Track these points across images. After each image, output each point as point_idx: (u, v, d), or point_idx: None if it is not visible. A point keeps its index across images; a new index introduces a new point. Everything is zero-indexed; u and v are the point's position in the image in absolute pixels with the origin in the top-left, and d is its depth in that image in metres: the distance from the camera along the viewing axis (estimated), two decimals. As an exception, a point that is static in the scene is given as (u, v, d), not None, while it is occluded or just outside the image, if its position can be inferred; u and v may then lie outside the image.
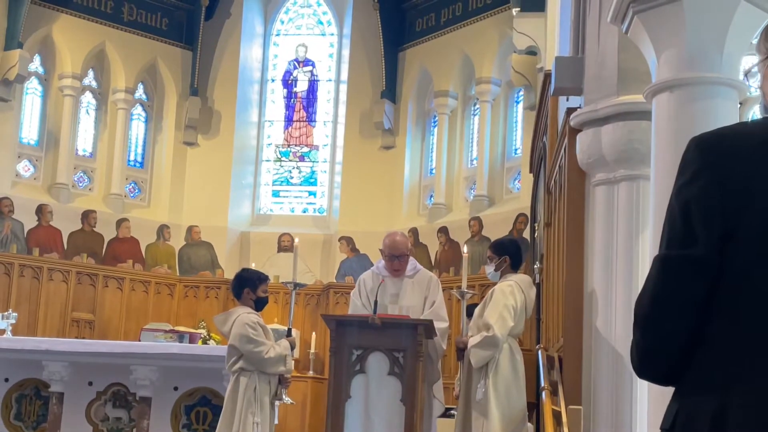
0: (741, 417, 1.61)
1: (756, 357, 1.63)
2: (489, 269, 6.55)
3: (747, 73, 1.99)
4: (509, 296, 6.17)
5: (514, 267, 6.49)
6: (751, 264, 1.67)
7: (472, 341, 6.12)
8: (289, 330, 6.81)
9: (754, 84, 1.98)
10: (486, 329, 6.07)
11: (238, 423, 6.35)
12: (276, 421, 6.80)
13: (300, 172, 15.72)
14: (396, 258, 6.80)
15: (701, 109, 4.14)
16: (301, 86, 15.90)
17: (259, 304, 6.68)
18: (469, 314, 6.95)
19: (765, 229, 1.67)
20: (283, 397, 6.67)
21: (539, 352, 6.21)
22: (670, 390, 1.79)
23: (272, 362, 6.43)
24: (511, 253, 6.49)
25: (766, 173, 1.68)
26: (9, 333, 9.20)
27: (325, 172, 15.62)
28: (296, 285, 6.77)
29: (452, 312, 10.51)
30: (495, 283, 6.50)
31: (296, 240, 7.45)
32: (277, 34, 16.08)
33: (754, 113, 8.18)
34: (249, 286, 6.66)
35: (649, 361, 1.77)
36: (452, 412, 8.25)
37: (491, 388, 6.02)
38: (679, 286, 1.71)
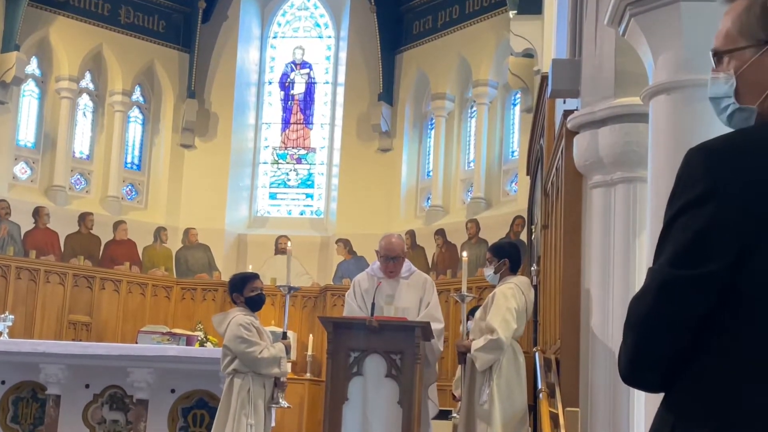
0: None
1: (761, 377, 1.60)
2: (488, 272, 6.57)
3: (716, 54, 1.86)
4: (511, 299, 6.18)
5: (513, 270, 6.51)
6: (764, 286, 1.61)
7: (476, 344, 6.12)
8: (285, 333, 6.81)
9: (721, 67, 1.83)
10: (490, 332, 6.08)
11: (231, 424, 6.34)
12: (273, 424, 6.79)
13: (297, 174, 15.72)
14: (391, 260, 6.83)
15: (698, 111, 4.14)
16: (298, 89, 15.90)
17: (253, 304, 6.67)
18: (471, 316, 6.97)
19: None
20: (280, 401, 6.65)
21: (536, 354, 6.22)
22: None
23: (265, 363, 6.41)
24: (510, 255, 6.52)
25: None
26: (6, 335, 9.19)
27: (322, 174, 15.62)
28: (290, 289, 6.78)
29: (451, 315, 10.53)
30: (494, 286, 6.51)
31: (288, 244, 7.46)
32: (274, 37, 16.08)
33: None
34: (236, 291, 6.68)
35: (635, 371, 1.73)
36: (454, 416, 8.25)
37: (495, 391, 6.03)
38: (678, 307, 1.65)
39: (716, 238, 1.61)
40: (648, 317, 1.68)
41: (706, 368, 1.66)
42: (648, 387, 1.77)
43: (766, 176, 1.61)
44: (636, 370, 1.73)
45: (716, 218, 1.61)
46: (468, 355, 6.23)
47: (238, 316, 6.51)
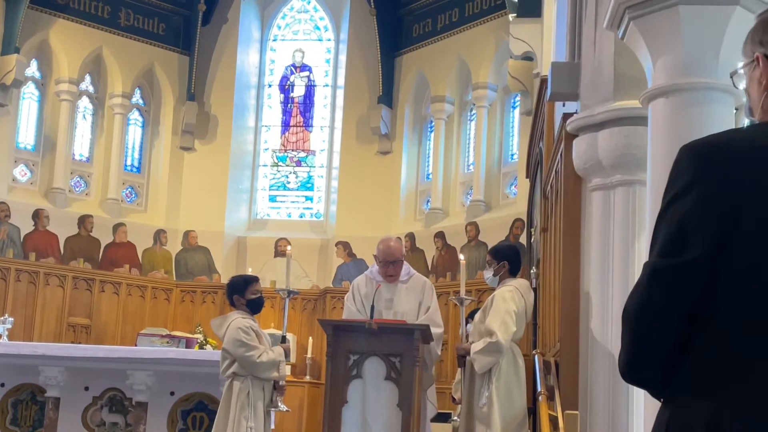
0: (735, 423, 1.61)
1: (749, 363, 1.63)
2: (487, 274, 6.58)
3: (733, 75, 2.00)
4: (510, 301, 6.19)
5: (513, 272, 6.52)
6: (746, 273, 1.66)
7: (475, 347, 6.13)
8: (284, 337, 6.81)
9: (740, 86, 1.98)
10: (489, 335, 6.08)
11: (231, 428, 6.34)
12: (272, 426, 6.79)
13: (297, 177, 15.73)
14: (390, 264, 6.82)
15: (697, 114, 4.15)
16: (298, 91, 15.91)
17: (253, 307, 6.68)
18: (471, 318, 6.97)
19: (761, 238, 1.66)
20: (279, 404, 6.64)
21: (536, 357, 6.22)
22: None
23: (264, 367, 6.42)
24: (509, 258, 6.52)
25: (761, 181, 1.67)
26: (5, 338, 9.19)
27: (321, 177, 15.62)
28: (289, 293, 6.77)
29: (450, 318, 10.52)
30: (493, 289, 6.51)
31: (289, 248, 7.45)
32: (274, 40, 16.09)
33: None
34: (237, 293, 6.68)
35: (634, 367, 1.76)
36: (455, 419, 8.25)
37: (494, 394, 6.03)
38: (668, 295, 1.70)
39: (698, 226, 1.68)
40: (641, 307, 1.73)
41: (697, 356, 1.69)
42: (647, 385, 1.79)
43: (746, 169, 1.68)
44: (634, 365, 1.76)
45: (698, 207, 1.69)
46: (467, 358, 6.24)
47: (238, 319, 6.51)
